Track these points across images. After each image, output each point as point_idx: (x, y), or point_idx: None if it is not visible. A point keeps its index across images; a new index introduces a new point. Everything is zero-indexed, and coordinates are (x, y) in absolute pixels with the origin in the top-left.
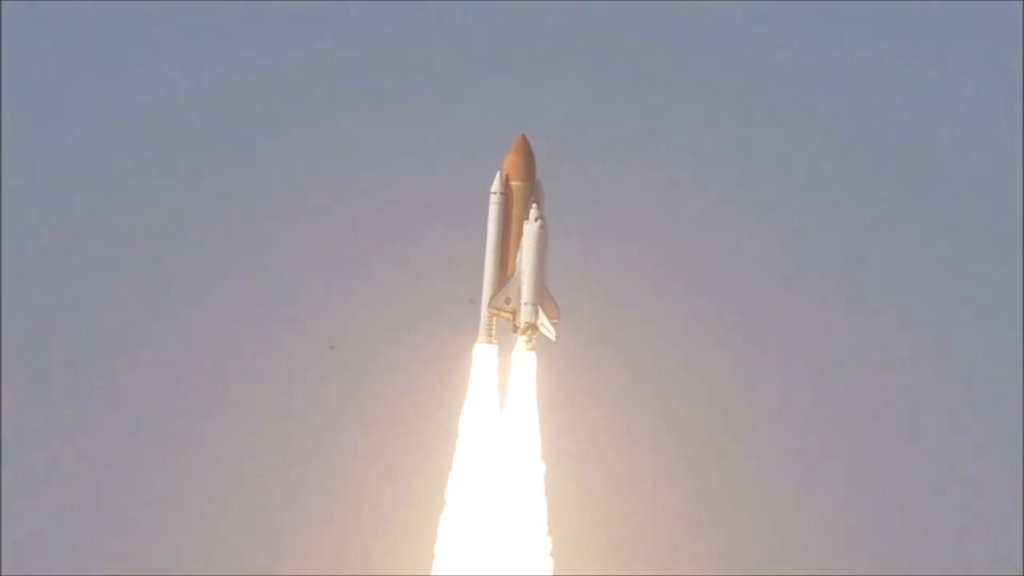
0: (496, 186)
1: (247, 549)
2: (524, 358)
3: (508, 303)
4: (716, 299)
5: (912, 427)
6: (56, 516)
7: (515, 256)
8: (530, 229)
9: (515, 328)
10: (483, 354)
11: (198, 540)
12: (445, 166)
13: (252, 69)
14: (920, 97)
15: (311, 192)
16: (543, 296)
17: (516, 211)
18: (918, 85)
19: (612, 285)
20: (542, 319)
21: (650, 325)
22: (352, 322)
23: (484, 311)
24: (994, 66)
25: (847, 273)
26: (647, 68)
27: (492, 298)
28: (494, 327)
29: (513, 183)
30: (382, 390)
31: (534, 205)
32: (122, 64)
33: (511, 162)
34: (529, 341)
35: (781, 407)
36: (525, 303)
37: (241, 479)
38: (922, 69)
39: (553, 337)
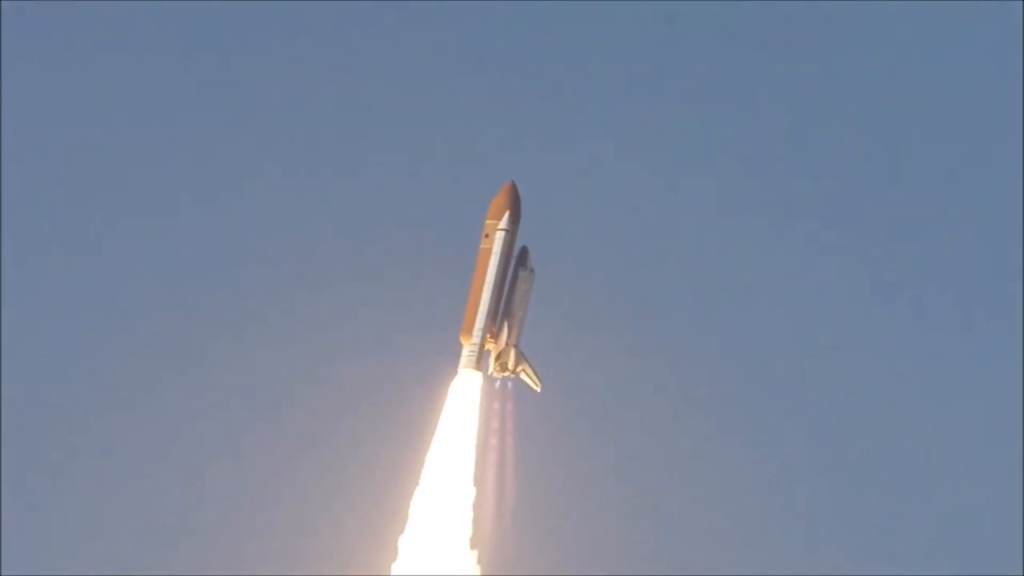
0: (505, 223)
1: (246, 549)
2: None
3: (495, 339)
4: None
5: (912, 427)
6: (56, 516)
7: (503, 297)
8: (525, 275)
9: (499, 365)
10: (467, 381)
11: (198, 540)
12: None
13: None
14: (919, 100)
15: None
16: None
17: (508, 252)
18: (917, 86)
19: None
20: (525, 366)
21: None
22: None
23: (475, 340)
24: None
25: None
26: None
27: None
28: (481, 356)
29: (512, 227)
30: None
31: (528, 253)
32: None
33: (506, 206)
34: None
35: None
36: (515, 347)
37: (234, 481)
38: (922, 69)
39: (538, 389)
